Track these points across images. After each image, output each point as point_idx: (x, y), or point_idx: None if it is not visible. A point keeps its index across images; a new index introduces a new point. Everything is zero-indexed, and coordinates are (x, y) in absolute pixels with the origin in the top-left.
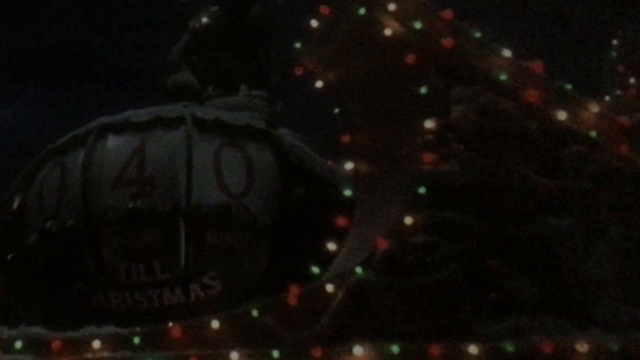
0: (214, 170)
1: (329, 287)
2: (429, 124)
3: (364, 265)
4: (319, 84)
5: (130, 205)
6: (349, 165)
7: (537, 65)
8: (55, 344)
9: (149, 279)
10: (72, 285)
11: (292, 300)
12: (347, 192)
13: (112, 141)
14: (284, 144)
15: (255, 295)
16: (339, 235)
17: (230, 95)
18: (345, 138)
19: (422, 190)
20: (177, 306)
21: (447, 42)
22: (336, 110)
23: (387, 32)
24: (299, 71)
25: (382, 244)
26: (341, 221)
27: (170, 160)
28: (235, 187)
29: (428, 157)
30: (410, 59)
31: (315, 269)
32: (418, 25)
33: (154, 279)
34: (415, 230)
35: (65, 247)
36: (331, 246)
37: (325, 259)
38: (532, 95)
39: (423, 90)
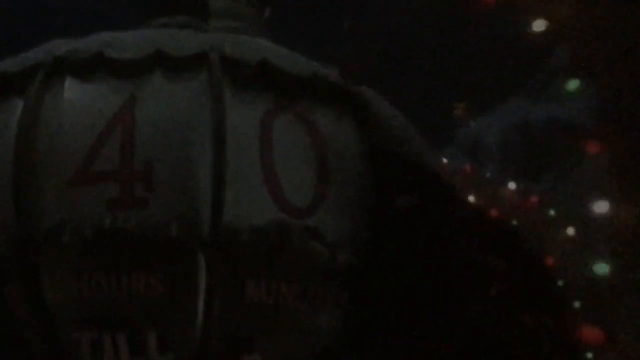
0: (260, 159)
1: None
2: None
3: None
4: (538, 25)
5: (107, 222)
6: (601, 207)
7: None
8: None
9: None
10: None
11: None
12: (601, 269)
13: (73, 92)
14: (376, 114)
15: None
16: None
17: None
18: (592, 147)
19: None
20: None
21: None
22: (571, 85)
23: None
24: None
25: None
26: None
27: (182, 137)
28: (299, 193)
29: None
30: None
31: None
32: None
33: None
34: None
35: None
36: None
37: None
38: None
39: None
